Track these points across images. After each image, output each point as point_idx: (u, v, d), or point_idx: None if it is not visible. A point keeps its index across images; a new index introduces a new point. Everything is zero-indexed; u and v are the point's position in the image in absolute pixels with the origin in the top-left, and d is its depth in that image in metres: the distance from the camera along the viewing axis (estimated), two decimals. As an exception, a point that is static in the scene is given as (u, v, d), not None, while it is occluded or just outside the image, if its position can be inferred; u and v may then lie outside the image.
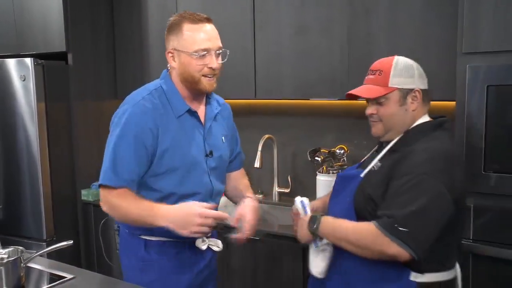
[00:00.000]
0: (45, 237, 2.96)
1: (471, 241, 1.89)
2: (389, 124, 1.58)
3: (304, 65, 2.57)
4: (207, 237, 1.76)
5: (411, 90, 1.55)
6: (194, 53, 1.63)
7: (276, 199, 2.97)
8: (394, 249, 1.39)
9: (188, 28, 1.65)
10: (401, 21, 2.27)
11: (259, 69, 2.70)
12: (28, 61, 2.86)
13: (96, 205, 3.02)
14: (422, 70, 1.60)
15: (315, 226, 1.57)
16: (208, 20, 1.69)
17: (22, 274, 1.62)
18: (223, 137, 1.84)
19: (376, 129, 1.61)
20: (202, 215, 1.55)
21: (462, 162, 1.82)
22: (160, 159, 1.66)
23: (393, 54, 2.26)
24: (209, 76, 1.67)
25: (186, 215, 1.56)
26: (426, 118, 1.59)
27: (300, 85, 2.59)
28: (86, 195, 3.06)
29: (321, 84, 2.53)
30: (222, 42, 2.78)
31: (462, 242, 1.77)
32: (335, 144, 2.73)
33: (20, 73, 2.90)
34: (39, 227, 2.98)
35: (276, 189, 2.97)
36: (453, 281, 1.57)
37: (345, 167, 2.71)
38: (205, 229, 1.57)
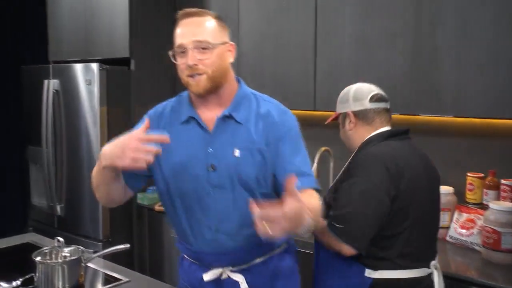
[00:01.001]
0: (101, 238, 3.04)
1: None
2: (345, 142, 1.90)
3: (365, 78, 2.49)
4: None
5: (346, 113, 1.83)
6: (174, 53, 1.52)
7: (330, 213, 2.91)
8: (337, 244, 1.63)
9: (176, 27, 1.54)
10: (470, 33, 2.18)
11: (319, 80, 2.67)
12: (94, 66, 2.96)
13: (151, 209, 3.07)
14: (361, 93, 1.82)
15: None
16: (191, 14, 1.51)
17: (81, 273, 1.67)
18: (236, 150, 1.49)
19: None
20: (135, 137, 1.34)
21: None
22: (152, 164, 1.41)
23: (461, 68, 2.21)
24: (191, 75, 1.48)
25: (121, 142, 1.36)
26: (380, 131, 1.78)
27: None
28: (141, 198, 3.12)
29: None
30: (277, 51, 2.76)
31: None
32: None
33: (86, 78, 3.01)
34: (96, 228, 3.06)
35: (331, 202, 2.91)
36: (422, 280, 1.68)
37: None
38: (142, 155, 1.32)
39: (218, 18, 1.53)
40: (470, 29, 2.17)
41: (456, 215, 2.36)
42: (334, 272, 1.73)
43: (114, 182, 1.53)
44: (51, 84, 3.18)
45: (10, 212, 3.82)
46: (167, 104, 1.64)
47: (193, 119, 1.54)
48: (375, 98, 1.80)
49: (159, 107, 1.65)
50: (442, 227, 2.36)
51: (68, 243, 1.74)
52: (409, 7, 2.34)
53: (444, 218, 2.38)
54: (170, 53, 1.52)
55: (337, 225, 1.60)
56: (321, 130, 2.90)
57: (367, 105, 1.79)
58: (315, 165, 2.78)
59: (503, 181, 2.30)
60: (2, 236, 3.67)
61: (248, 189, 1.50)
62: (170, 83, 3.31)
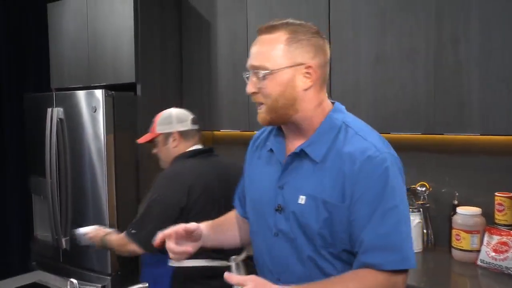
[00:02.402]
0: (109, 271, 2.89)
1: None
2: (161, 159, 2.24)
3: (384, 97, 2.41)
4: None
5: (171, 133, 2.15)
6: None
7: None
8: (130, 246, 2.00)
9: None
10: (494, 47, 2.09)
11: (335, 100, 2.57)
12: (99, 92, 2.85)
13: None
14: (183, 116, 2.20)
15: None
16: (262, 31, 1.30)
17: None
18: (301, 196, 1.26)
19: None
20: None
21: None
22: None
23: (485, 84, 2.11)
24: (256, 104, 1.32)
25: None
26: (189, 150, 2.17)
27: (379, 118, 2.43)
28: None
29: (403, 116, 2.36)
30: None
31: None
32: (416, 180, 2.53)
33: (91, 105, 2.91)
34: (104, 260, 2.92)
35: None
36: (218, 270, 1.88)
37: (427, 205, 2.51)
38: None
39: (295, 32, 1.25)
40: (494, 43, 2.09)
41: (486, 237, 2.24)
42: (145, 262, 2.19)
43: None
44: (55, 112, 3.07)
45: (12, 246, 3.67)
46: (264, 130, 1.48)
47: (271, 150, 1.38)
48: (194, 121, 2.21)
49: (265, 128, 1.47)
50: (471, 251, 2.26)
51: (74, 277, 1.61)
52: (430, 21, 2.25)
53: (473, 241, 2.27)
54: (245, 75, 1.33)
55: (132, 231, 2.00)
56: None
57: (190, 126, 2.18)
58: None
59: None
60: (4, 272, 3.55)
61: (312, 243, 1.26)
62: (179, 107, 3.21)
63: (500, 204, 2.28)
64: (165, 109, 3.13)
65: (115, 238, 2.09)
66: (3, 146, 3.68)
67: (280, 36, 1.25)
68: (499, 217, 2.29)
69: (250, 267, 1.96)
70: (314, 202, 1.24)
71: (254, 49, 1.29)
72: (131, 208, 2.98)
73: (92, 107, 2.90)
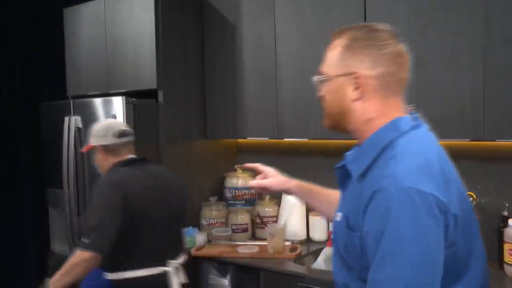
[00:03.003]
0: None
1: None
2: (98, 168, 2.34)
3: (426, 103, 2.26)
4: None
5: (95, 146, 2.28)
6: None
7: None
8: (85, 255, 1.99)
9: None
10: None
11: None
12: (119, 99, 2.72)
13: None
14: (107, 129, 2.27)
15: None
16: (333, 35, 1.24)
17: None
18: (338, 214, 1.22)
19: None
20: None
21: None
22: None
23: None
24: None
25: None
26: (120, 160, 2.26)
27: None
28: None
29: (447, 123, 2.21)
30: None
31: None
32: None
33: (111, 112, 2.77)
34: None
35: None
36: (158, 277, 2.13)
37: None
38: None
39: (355, 39, 1.17)
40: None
41: None
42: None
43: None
44: (73, 121, 2.94)
45: (29, 261, 3.54)
46: None
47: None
48: (119, 134, 2.26)
49: None
50: (508, 263, 2.12)
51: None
52: (476, 21, 2.11)
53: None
54: None
55: (84, 241, 2.01)
56: None
57: (111, 140, 2.24)
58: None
59: None
60: (20, 287, 3.42)
61: (343, 265, 1.19)
62: (200, 116, 3.07)
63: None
64: (188, 116, 3.02)
65: (64, 267, 2.05)
66: (18, 158, 3.56)
67: (341, 43, 1.20)
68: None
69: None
70: (343, 222, 1.17)
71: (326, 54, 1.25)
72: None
73: (112, 115, 2.77)
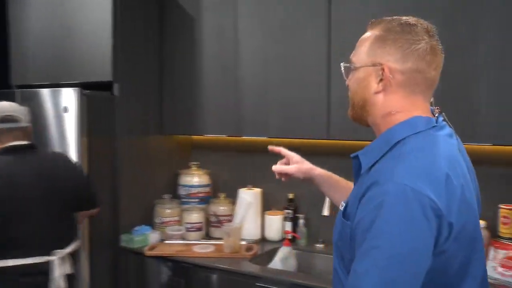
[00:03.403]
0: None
1: None
2: None
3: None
4: None
5: None
6: None
7: (342, 251, 2.65)
8: None
9: None
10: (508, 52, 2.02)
11: (334, 106, 2.42)
12: (72, 91, 2.58)
13: (138, 253, 2.67)
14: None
15: None
16: (368, 26, 1.24)
17: None
18: (343, 203, 1.21)
19: None
20: None
21: None
22: None
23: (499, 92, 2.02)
24: None
25: None
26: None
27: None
28: (126, 241, 2.72)
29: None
30: (284, 75, 2.53)
31: None
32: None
33: (61, 104, 2.63)
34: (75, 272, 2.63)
35: (342, 239, 2.65)
36: (38, 266, 2.07)
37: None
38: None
39: (388, 31, 1.14)
40: (507, 47, 2.01)
41: (492, 252, 2.16)
42: None
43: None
44: (18, 112, 2.75)
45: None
46: None
47: None
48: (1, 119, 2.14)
49: None
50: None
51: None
52: (448, 22, 2.14)
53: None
54: None
55: None
56: (336, 160, 2.63)
57: None
58: (327, 199, 2.52)
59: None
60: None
61: (336, 253, 1.21)
62: (157, 110, 2.97)
63: (505, 217, 2.21)
64: (145, 111, 2.91)
65: None
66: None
67: (373, 34, 1.18)
68: (504, 230, 2.21)
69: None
70: (341, 212, 1.18)
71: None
72: (107, 218, 2.71)
73: (62, 108, 2.63)
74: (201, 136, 3.11)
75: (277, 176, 1.65)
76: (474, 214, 1.09)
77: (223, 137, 2.96)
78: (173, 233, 2.74)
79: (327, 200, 2.52)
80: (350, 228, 1.08)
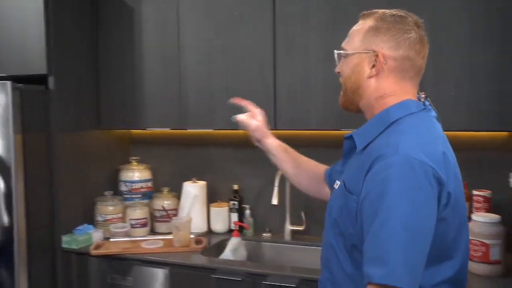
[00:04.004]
0: (16, 294, 2.46)
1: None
2: None
3: (335, 93, 2.37)
4: None
5: None
6: None
7: (289, 238, 2.72)
8: None
9: None
10: (445, 48, 2.17)
11: (281, 97, 2.47)
12: (3, 85, 2.40)
13: (82, 253, 2.56)
14: None
15: None
16: (360, 17, 1.33)
17: None
18: (338, 182, 1.32)
19: None
20: None
21: None
22: None
23: (438, 81, 2.17)
24: None
25: None
26: None
27: (328, 117, 2.39)
28: (68, 242, 2.59)
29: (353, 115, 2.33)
30: (229, 66, 2.62)
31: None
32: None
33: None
34: (10, 280, 2.47)
35: (289, 227, 2.72)
36: None
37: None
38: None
39: (382, 20, 1.24)
40: (444, 42, 2.17)
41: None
42: None
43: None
44: None
45: None
46: None
47: None
48: None
49: None
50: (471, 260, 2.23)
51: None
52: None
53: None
54: None
55: None
56: None
57: None
58: (276, 188, 2.58)
59: (475, 192, 2.31)
60: None
61: (332, 229, 1.28)
62: (93, 104, 2.85)
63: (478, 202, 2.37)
64: (81, 104, 2.77)
65: None
66: None
67: (367, 23, 1.27)
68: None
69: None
70: (341, 188, 1.27)
71: (349, 32, 1.34)
72: (44, 218, 2.57)
73: (-8, 102, 2.44)
74: (141, 130, 3.04)
75: (236, 120, 1.75)
76: (462, 189, 1.20)
77: (164, 130, 2.91)
78: (118, 230, 2.65)
79: (275, 189, 2.59)
80: (356, 202, 1.14)
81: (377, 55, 1.23)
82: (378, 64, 1.23)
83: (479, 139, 2.37)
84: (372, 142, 1.22)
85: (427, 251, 1.08)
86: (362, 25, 1.28)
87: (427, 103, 1.28)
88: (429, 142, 1.15)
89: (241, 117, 1.72)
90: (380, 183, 1.08)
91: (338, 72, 1.35)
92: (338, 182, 1.30)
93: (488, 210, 2.27)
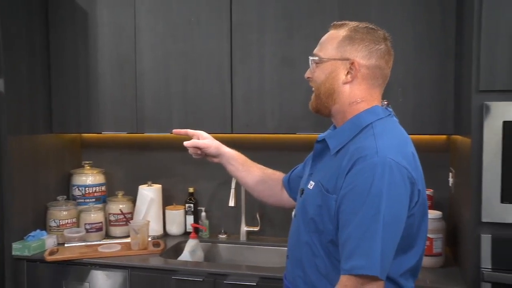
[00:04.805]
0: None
1: (490, 269, 1.95)
2: None
3: (289, 99, 2.49)
4: None
5: None
6: None
7: (245, 239, 2.80)
8: None
9: None
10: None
11: (237, 102, 2.55)
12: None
13: (34, 260, 2.50)
14: None
15: None
16: (332, 26, 1.41)
17: None
18: (312, 182, 1.38)
19: None
20: None
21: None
22: None
23: (387, 89, 2.33)
24: None
25: None
26: None
27: (284, 121, 2.50)
28: (19, 249, 2.52)
29: (308, 118, 2.46)
30: (187, 70, 2.68)
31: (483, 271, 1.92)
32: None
33: None
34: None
35: (244, 228, 2.80)
36: None
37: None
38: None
39: (355, 31, 1.34)
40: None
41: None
42: None
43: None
44: None
45: None
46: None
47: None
48: None
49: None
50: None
51: None
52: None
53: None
54: None
55: None
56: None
57: None
58: (232, 190, 2.66)
59: (419, 192, 2.51)
60: None
61: (307, 228, 1.36)
62: (46, 108, 2.79)
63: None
64: (33, 108, 2.71)
65: None
66: None
67: (340, 33, 1.36)
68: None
69: None
70: (317, 188, 1.34)
71: (320, 40, 1.42)
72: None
73: None
74: (93, 134, 3.01)
75: (190, 151, 1.75)
76: (425, 185, 1.33)
77: (117, 134, 2.90)
78: (72, 235, 2.62)
79: (232, 191, 2.67)
80: (335, 200, 1.25)
81: (352, 63, 1.32)
82: (353, 71, 1.32)
83: (422, 142, 2.56)
84: (346, 145, 1.31)
85: (397, 244, 1.21)
86: (335, 34, 1.37)
87: (390, 109, 1.41)
88: (401, 144, 1.28)
89: (188, 143, 1.72)
90: (364, 182, 1.18)
91: (309, 77, 1.42)
92: (312, 183, 1.37)
93: (431, 207, 2.47)
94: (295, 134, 2.53)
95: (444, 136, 2.56)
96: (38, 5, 2.74)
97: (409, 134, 2.19)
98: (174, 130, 1.80)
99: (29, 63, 2.67)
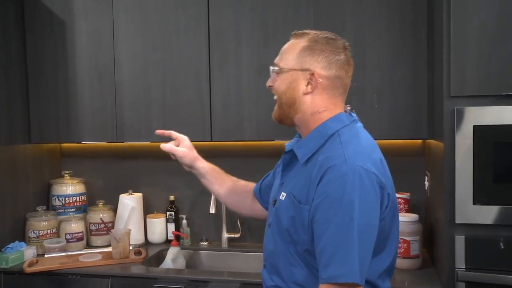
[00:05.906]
0: None
1: (464, 269, 2.01)
2: None
3: (266, 107, 2.52)
4: None
5: None
6: None
7: (226, 245, 2.82)
8: None
9: None
10: (370, 68, 2.40)
11: (216, 109, 2.58)
12: None
13: (12, 273, 2.48)
14: None
15: None
16: (292, 35, 1.42)
17: None
18: (283, 193, 1.39)
19: None
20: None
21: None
22: None
23: (363, 95, 2.38)
24: None
25: None
26: None
27: (261, 127, 2.53)
28: (-2, 261, 2.49)
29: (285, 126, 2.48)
30: (166, 79, 2.69)
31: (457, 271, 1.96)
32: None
33: None
34: None
35: (225, 235, 2.82)
36: None
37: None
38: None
39: (315, 41, 1.34)
40: (368, 57, 2.39)
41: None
42: None
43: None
44: None
45: None
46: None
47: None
48: None
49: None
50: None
51: None
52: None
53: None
54: None
55: None
56: (219, 162, 2.71)
57: None
58: (213, 197, 2.68)
59: (397, 195, 2.55)
60: None
61: (282, 237, 1.37)
62: (24, 117, 2.78)
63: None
64: (11, 118, 2.69)
65: None
66: None
67: (301, 43, 1.36)
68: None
69: None
70: (289, 199, 1.35)
71: (281, 49, 1.42)
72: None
73: None
74: (72, 144, 3.00)
75: (165, 150, 1.71)
76: (393, 188, 1.36)
77: (96, 143, 2.90)
78: (53, 245, 2.61)
79: (213, 199, 2.69)
80: (308, 210, 1.26)
81: (312, 74, 1.33)
82: (313, 82, 1.33)
83: (399, 146, 2.62)
84: (315, 154, 1.32)
85: (372, 248, 1.24)
86: (295, 44, 1.37)
87: (354, 114, 1.43)
88: (369, 151, 1.31)
89: (167, 146, 1.69)
90: (336, 191, 1.20)
91: (270, 86, 1.42)
92: (284, 194, 1.38)
93: (408, 211, 2.52)
94: (273, 141, 2.56)
95: (420, 141, 2.62)
96: (13, 14, 2.72)
97: (384, 139, 2.27)
98: (158, 131, 1.78)
99: (6, 72, 2.66)
